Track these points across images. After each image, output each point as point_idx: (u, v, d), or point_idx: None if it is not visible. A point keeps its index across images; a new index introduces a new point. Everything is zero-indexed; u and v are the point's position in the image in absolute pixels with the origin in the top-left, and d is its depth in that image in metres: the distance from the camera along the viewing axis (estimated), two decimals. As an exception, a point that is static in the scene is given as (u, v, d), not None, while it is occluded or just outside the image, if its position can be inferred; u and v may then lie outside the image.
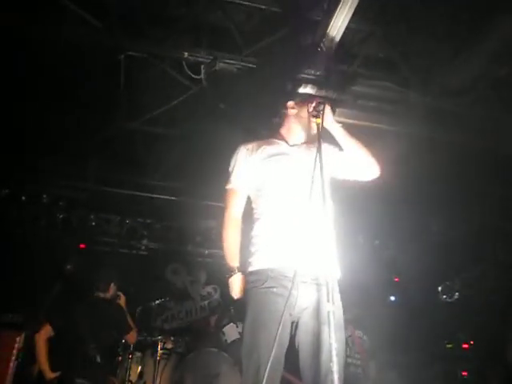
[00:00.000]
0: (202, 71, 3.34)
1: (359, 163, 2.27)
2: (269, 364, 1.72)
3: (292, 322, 2.03)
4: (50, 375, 3.65)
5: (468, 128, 4.04)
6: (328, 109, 2.13)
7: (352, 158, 2.26)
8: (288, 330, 1.99)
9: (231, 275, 2.15)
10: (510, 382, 4.88)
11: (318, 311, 1.98)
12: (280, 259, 2.02)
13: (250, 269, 2.07)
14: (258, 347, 1.88)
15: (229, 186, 2.30)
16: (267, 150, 2.29)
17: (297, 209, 2.06)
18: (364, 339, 4.71)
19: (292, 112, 2.38)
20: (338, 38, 3.16)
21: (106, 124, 4.46)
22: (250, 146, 2.32)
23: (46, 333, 3.75)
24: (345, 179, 2.37)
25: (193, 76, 3.41)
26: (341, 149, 2.30)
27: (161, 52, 3.36)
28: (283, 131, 2.41)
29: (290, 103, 2.40)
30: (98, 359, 3.62)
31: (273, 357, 1.74)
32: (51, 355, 3.75)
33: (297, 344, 2.04)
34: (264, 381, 1.70)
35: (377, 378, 4.48)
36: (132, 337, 4.24)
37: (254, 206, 2.26)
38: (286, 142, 2.35)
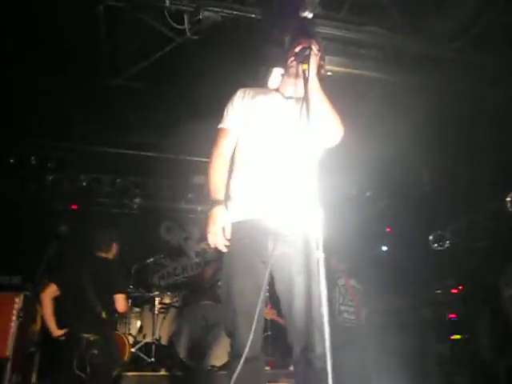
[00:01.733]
0: (186, 21, 3.21)
1: (325, 123, 2.08)
2: (255, 316, 1.76)
3: (271, 272, 2.04)
4: (57, 332, 3.76)
5: (459, 74, 3.97)
6: (312, 59, 2.02)
7: (319, 117, 2.04)
8: (263, 278, 1.97)
9: (213, 207, 1.98)
10: (494, 324, 5.08)
11: (292, 261, 2.01)
12: (253, 211, 2.03)
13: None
14: (232, 296, 1.92)
15: (220, 126, 2.24)
16: (260, 98, 2.24)
17: (278, 160, 2.05)
18: (358, 288, 4.83)
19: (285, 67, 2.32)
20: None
21: (90, 80, 4.33)
22: (247, 90, 2.29)
23: (51, 292, 3.82)
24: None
25: (176, 26, 3.27)
26: None
27: (141, 1, 3.20)
28: (280, 83, 2.38)
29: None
30: (104, 315, 3.69)
31: (247, 302, 1.82)
32: (57, 314, 3.84)
33: (277, 293, 2.10)
34: (252, 333, 1.76)
35: (366, 324, 4.66)
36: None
37: (236, 154, 2.22)
38: (281, 94, 2.29)
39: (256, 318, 1.79)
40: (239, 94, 2.28)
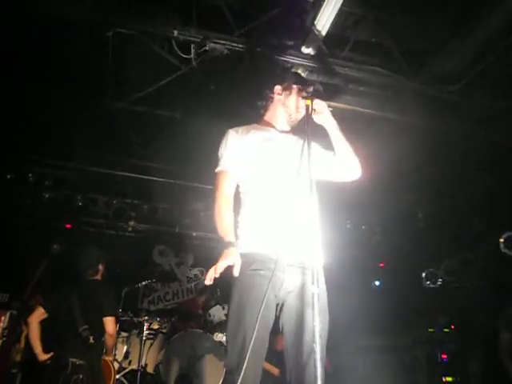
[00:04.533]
0: (192, 51, 3.29)
1: (346, 164, 2.25)
2: (251, 342, 1.73)
3: (277, 305, 2.04)
4: (43, 357, 3.69)
5: (456, 115, 4.07)
6: (324, 105, 2.11)
7: (340, 158, 2.23)
8: (273, 312, 2.00)
9: (226, 248, 1.94)
10: (487, 367, 5.01)
11: (302, 294, 2.00)
12: (267, 243, 2.02)
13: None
14: (243, 327, 1.87)
15: (219, 169, 2.21)
16: (257, 134, 2.24)
17: (283, 194, 2.07)
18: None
19: (278, 98, 2.34)
20: (330, 21, 3.14)
21: (94, 103, 4.39)
22: (239, 129, 2.27)
23: (38, 315, 3.75)
24: (328, 180, 2.33)
25: (182, 55, 3.35)
26: (326, 148, 2.29)
27: (150, 29, 3.28)
28: (269, 117, 2.37)
29: (278, 88, 2.35)
30: (91, 340, 3.60)
31: (256, 338, 1.75)
32: (43, 336, 3.76)
33: (281, 326, 2.06)
34: (246, 358, 1.72)
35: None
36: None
37: (241, 190, 2.23)
38: (274, 128, 2.32)
39: (250, 350, 1.75)
40: (232, 133, 2.26)
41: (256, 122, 2.38)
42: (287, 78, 2.40)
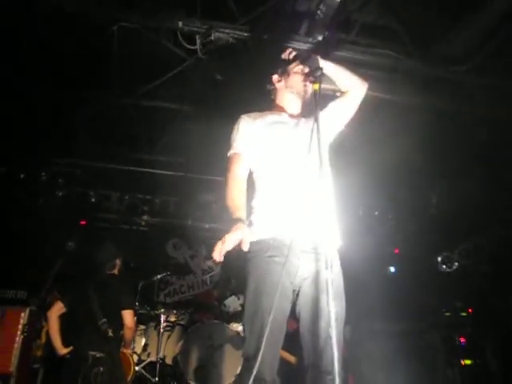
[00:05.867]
0: (198, 41, 3.27)
1: (350, 83, 2.32)
2: (268, 329, 1.74)
3: (293, 291, 2.05)
4: (63, 351, 3.78)
5: (465, 97, 4.01)
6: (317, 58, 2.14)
7: (342, 83, 2.33)
8: (289, 299, 2.01)
9: (234, 224, 1.86)
10: (504, 347, 4.99)
11: (317, 280, 2.00)
12: (281, 229, 2.01)
13: (251, 238, 2.00)
14: (260, 314, 1.88)
15: (231, 152, 2.22)
16: (269, 118, 2.28)
17: (297, 178, 2.06)
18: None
19: (279, 85, 2.40)
20: (335, 5, 3.09)
21: (101, 99, 4.40)
22: (251, 114, 2.32)
23: (57, 310, 3.83)
24: (346, 120, 2.37)
25: (188, 47, 3.34)
26: (326, 104, 2.34)
27: (154, 22, 3.28)
28: (279, 102, 2.42)
29: (275, 77, 2.41)
30: (110, 333, 3.67)
31: (273, 324, 1.76)
32: (63, 331, 3.85)
33: (298, 312, 2.07)
34: (263, 344, 1.73)
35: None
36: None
37: (254, 175, 2.24)
38: (285, 112, 2.35)
39: (267, 336, 1.76)
40: (244, 118, 2.30)
41: (268, 109, 2.42)
42: (281, 63, 2.42)
